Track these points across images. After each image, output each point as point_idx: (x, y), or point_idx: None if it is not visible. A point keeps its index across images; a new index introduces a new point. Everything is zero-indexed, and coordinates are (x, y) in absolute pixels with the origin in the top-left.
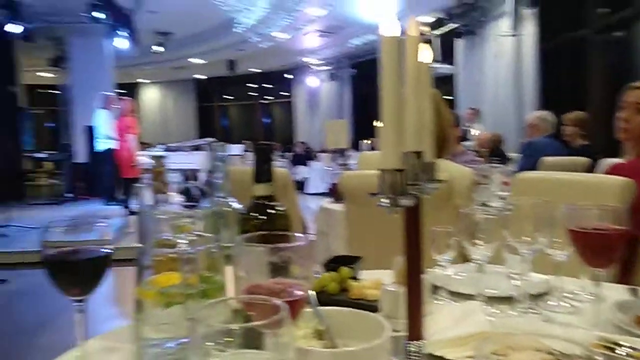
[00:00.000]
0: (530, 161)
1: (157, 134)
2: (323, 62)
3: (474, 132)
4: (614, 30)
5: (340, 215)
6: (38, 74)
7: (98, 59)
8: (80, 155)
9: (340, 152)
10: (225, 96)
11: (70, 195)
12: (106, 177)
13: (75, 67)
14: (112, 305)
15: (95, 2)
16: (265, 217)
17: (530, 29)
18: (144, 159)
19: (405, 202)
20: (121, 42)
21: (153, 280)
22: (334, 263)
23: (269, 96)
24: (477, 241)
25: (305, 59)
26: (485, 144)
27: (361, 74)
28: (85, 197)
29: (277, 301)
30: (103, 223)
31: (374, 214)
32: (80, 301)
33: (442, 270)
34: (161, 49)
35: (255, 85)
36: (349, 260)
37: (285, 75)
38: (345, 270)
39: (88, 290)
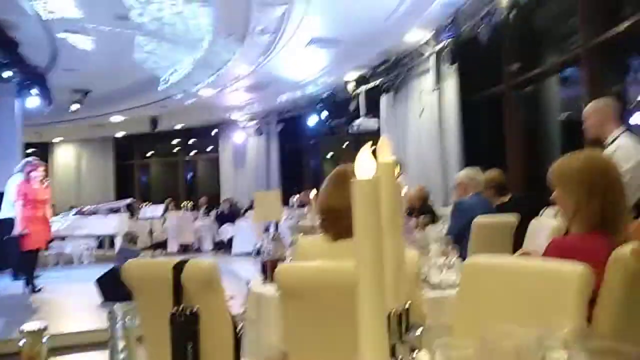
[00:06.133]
0: (460, 221)
1: (70, 196)
2: (250, 117)
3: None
4: (525, 86)
5: (272, 302)
6: None
7: (4, 119)
8: None
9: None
10: (146, 153)
11: None
12: (12, 250)
13: None
14: None
15: (1, 61)
16: None
17: (451, 85)
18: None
19: None
20: (33, 100)
21: None
22: None
23: (193, 152)
24: None
25: (231, 115)
26: (413, 200)
27: (288, 129)
28: None
29: None
30: None
31: (314, 309)
32: None
33: None
34: (77, 106)
35: (178, 141)
36: None
37: (211, 131)
38: None
39: None
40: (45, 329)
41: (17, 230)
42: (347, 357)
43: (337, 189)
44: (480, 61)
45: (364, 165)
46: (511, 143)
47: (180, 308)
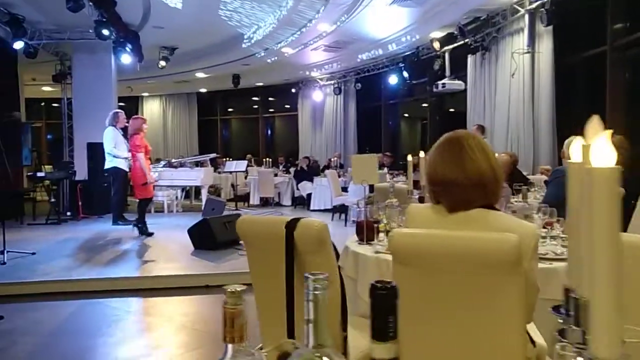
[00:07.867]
0: (560, 190)
1: (159, 148)
2: (329, 76)
3: None
4: (631, 47)
5: (370, 262)
6: (42, 88)
7: (102, 75)
8: (81, 173)
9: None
10: (227, 109)
11: (69, 215)
12: (114, 197)
13: (78, 82)
14: None
15: (101, 19)
16: None
17: (546, 46)
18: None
19: None
20: (126, 57)
21: None
22: None
23: (272, 109)
24: None
25: (310, 73)
26: (503, 166)
27: (366, 88)
28: (86, 216)
29: None
30: None
31: (426, 276)
32: None
33: None
34: (165, 62)
35: (258, 99)
36: None
37: (290, 89)
38: None
39: None
40: (244, 290)
41: (150, 179)
42: (453, 322)
43: (453, 158)
44: (580, 20)
45: (604, 152)
46: (613, 108)
47: (387, 287)
